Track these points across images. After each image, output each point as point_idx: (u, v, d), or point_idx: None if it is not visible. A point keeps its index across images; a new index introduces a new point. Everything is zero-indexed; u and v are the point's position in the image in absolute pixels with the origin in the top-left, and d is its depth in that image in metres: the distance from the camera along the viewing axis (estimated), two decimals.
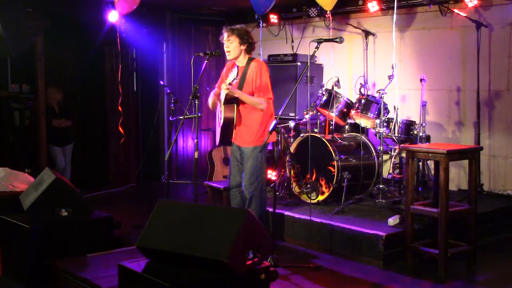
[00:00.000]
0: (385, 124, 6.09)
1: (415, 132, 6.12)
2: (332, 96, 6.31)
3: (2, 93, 7.64)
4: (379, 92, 6.12)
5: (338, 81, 6.36)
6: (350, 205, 5.89)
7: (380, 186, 6.05)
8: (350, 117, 6.53)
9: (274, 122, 4.60)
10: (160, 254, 3.36)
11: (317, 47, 4.75)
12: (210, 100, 5.25)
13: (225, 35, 5.03)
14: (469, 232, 4.87)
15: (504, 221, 6.05)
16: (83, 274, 3.77)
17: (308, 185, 6.11)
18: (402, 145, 5.80)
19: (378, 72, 7.57)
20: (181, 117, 5.07)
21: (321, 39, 4.84)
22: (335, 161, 5.89)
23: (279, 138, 5.08)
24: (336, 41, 4.80)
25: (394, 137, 6.16)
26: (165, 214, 3.49)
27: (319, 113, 6.57)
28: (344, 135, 6.53)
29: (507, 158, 6.65)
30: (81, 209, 4.70)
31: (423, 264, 4.95)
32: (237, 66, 5.07)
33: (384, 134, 6.05)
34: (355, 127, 6.67)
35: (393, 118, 6.18)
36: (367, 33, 7.71)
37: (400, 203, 5.77)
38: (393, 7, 6.16)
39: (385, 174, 6.33)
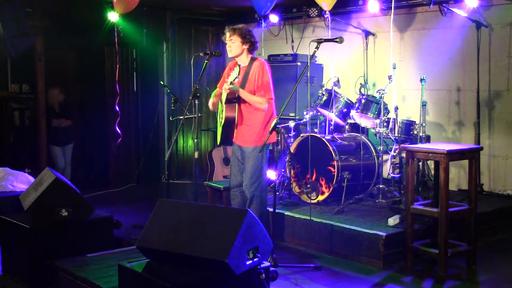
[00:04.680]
0: (385, 124, 6.09)
1: (415, 132, 6.12)
2: (332, 96, 6.31)
3: (2, 93, 7.64)
4: (379, 92, 6.12)
5: (338, 81, 6.36)
6: (350, 205, 5.89)
7: (380, 186, 6.05)
8: (350, 117, 6.53)
9: (274, 122, 4.60)
10: (160, 254, 3.36)
11: (317, 47, 4.75)
12: (211, 101, 5.25)
13: (227, 34, 5.03)
14: (469, 232, 4.87)
15: (504, 221, 6.05)
16: (83, 274, 3.78)
17: (308, 185, 6.11)
18: (402, 145, 5.80)
19: (378, 72, 7.57)
20: (181, 117, 5.07)
21: (321, 39, 4.84)
22: (335, 161, 5.89)
23: (279, 138, 5.07)
24: (336, 41, 4.79)
25: (394, 137, 6.16)
26: (165, 214, 3.49)
27: (319, 113, 6.56)
28: (344, 135, 6.53)
29: (507, 158, 6.65)
30: (81, 209, 4.70)
31: (423, 264, 4.95)
32: (239, 66, 5.07)
33: (384, 134, 6.05)
34: (355, 127, 6.67)
35: (393, 118, 6.18)
36: (367, 33, 7.71)
37: (400, 203, 5.77)
38: (393, 7, 6.16)
39: (385, 174, 6.33)
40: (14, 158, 7.46)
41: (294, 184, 6.29)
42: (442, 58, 7.08)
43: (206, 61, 5.04)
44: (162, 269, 3.31)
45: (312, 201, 5.93)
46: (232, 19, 8.82)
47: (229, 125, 5.03)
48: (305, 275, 4.69)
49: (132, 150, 8.95)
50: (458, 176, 6.91)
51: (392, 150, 6.15)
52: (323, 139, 6.03)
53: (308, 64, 4.90)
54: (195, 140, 4.92)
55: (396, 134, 6.14)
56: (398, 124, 6.14)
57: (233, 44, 5.01)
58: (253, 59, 5.07)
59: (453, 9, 6.75)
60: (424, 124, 6.15)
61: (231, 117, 5.00)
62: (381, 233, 4.93)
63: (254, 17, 8.30)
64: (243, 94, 4.92)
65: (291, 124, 6.57)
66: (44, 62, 7.57)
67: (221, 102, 5.09)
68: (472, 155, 4.85)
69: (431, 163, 6.21)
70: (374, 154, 6.25)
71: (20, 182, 5.53)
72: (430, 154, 4.74)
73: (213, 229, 3.26)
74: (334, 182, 5.90)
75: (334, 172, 5.90)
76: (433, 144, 5.56)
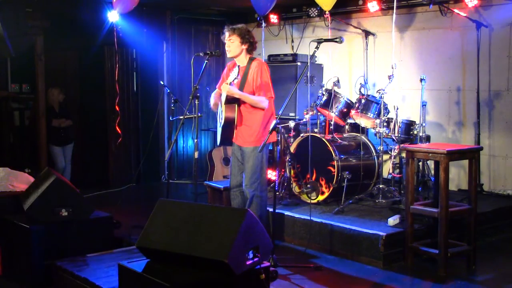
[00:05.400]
0: (385, 124, 6.09)
1: (415, 132, 6.12)
2: (332, 96, 6.31)
3: (2, 93, 7.64)
4: (379, 92, 6.12)
5: (338, 81, 6.36)
6: (350, 205, 5.89)
7: (380, 186, 6.05)
8: (350, 117, 6.53)
9: (274, 122, 4.60)
10: (160, 254, 3.36)
11: (317, 47, 4.75)
12: (212, 101, 5.26)
13: (226, 34, 5.03)
14: (469, 232, 4.87)
15: (504, 221, 6.05)
16: (83, 274, 3.78)
17: (308, 185, 6.11)
18: (402, 145, 5.81)
19: (378, 72, 7.57)
20: (181, 117, 5.07)
21: (321, 39, 4.84)
22: (335, 161, 5.89)
23: (279, 138, 5.07)
24: (336, 41, 4.80)
25: (394, 137, 6.16)
26: (165, 214, 3.49)
27: (319, 113, 6.56)
28: (344, 135, 6.53)
29: (507, 158, 6.65)
30: (81, 209, 4.70)
31: (423, 264, 4.95)
32: (238, 66, 5.07)
33: (384, 134, 6.05)
34: (355, 127, 6.67)
35: (393, 118, 6.18)
36: (367, 33, 7.71)
37: (400, 203, 5.77)
38: (393, 7, 6.16)
39: (385, 174, 6.33)
40: (14, 158, 7.46)
41: (294, 184, 6.29)
42: (442, 58, 7.09)
43: (206, 61, 5.04)
44: (162, 269, 3.31)
45: (312, 201, 5.93)
46: (232, 19, 8.81)
47: (229, 125, 5.03)
48: (305, 275, 4.69)
49: (132, 150, 8.94)
50: (458, 176, 6.91)
51: (392, 150, 6.16)
52: (323, 139, 6.03)
53: (308, 64, 4.90)
54: (195, 140, 4.92)
55: (396, 134, 6.14)
56: (398, 124, 6.14)
57: (232, 44, 5.01)
58: (251, 59, 5.06)
59: (453, 9, 6.75)
60: (424, 124, 6.15)
61: (231, 117, 5.00)
62: (381, 233, 4.93)
63: (254, 17, 8.30)
64: (243, 97, 4.92)
65: (291, 124, 6.57)
66: (44, 62, 7.57)
67: (221, 103, 5.10)
68: (472, 155, 4.85)
69: (431, 163, 6.21)
70: (374, 154, 6.25)
71: (20, 182, 5.53)
72: (430, 154, 4.74)
73: (213, 229, 3.26)
74: (334, 182, 5.90)
75: (334, 172, 5.90)
76: (433, 144, 5.56)
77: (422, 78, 6.17)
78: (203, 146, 9.22)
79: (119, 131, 7.23)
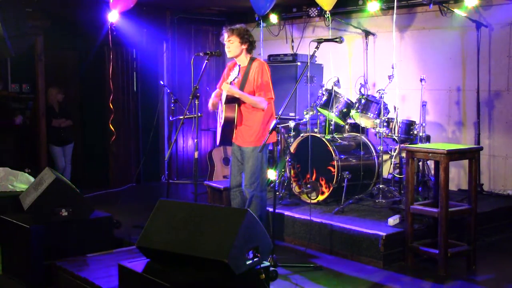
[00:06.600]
0: (385, 124, 6.09)
1: (415, 132, 6.13)
2: (332, 96, 6.31)
3: (2, 93, 7.63)
4: (379, 92, 6.13)
5: (338, 81, 6.36)
6: (350, 205, 5.89)
7: (380, 186, 6.05)
8: (350, 117, 6.53)
9: (274, 122, 4.60)
10: (160, 254, 3.36)
11: (317, 47, 4.76)
12: (211, 102, 5.25)
13: (226, 35, 5.04)
14: (469, 232, 4.87)
15: (504, 221, 6.05)
16: (83, 274, 3.79)
17: (308, 185, 6.11)
18: (402, 145, 5.81)
19: (378, 72, 7.57)
20: (181, 117, 5.07)
21: (321, 39, 4.84)
22: (335, 161, 5.89)
23: (279, 138, 5.07)
24: (336, 41, 4.80)
25: (394, 137, 6.16)
26: (165, 214, 3.49)
27: (319, 113, 6.56)
28: (344, 135, 6.53)
29: (507, 158, 6.65)
30: (81, 209, 4.70)
31: (423, 264, 4.95)
32: (239, 66, 5.07)
33: (384, 134, 6.05)
34: (355, 127, 6.68)
35: (393, 118, 6.18)
36: (367, 33, 7.71)
37: (400, 203, 5.77)
38: (393, 7, 6.16)
39: (385, 174, 6.33)
40: (14, 158, 7.46)
41: (294, 184, 6.29)
42: (442, 58, 7.09)
43: (206, 61, 5.04)
44: (162, 269, 3.32)
45: (312, 201, 5.93)
46: (232, 19, 8.82)
47: (229, 125, 5.03)
48: (305, 275, 4.69)
49: (132, 150, 8.95)
50: (458, 176, 6.91)
51: (392, 150, 6.16)
52: (323, 139, 6.03)
53: (308, 64, 4.90)
54: (195, 140, 4.92)
55: (396, 134, 6.14)
56: (398, 124, 6.14)
57: (231, 45, 5.01)
58: (252, 59, 5.07)
59: (453, 9, 6.75)
60: (424, 124, 6.15)
61: (231, 117, 5.00)
62: (381, 233, 4.93)
63: (254, 17, 8.29)
64: (243, 96, 4.92)
65: (291, 124, 6.57)
66: (44, 62, 7.57)
67: (221, 102, 5.10)
68: (472, 155, 4.85)
69: (431, 163, 6.21)
70: (374, 154, 6.25)
71: (20, 182, 5.53)
72: (430, 154, 4.74)
73: (213, 229, 3.26)
74: (334, 182, 5.90)
75: (334, 172, 5.90)
76: (433, 144, 5.56)
77: (422, 78, 6.17)
78: (203, 146, 9.23)
79: (113, 129, 7.20)
